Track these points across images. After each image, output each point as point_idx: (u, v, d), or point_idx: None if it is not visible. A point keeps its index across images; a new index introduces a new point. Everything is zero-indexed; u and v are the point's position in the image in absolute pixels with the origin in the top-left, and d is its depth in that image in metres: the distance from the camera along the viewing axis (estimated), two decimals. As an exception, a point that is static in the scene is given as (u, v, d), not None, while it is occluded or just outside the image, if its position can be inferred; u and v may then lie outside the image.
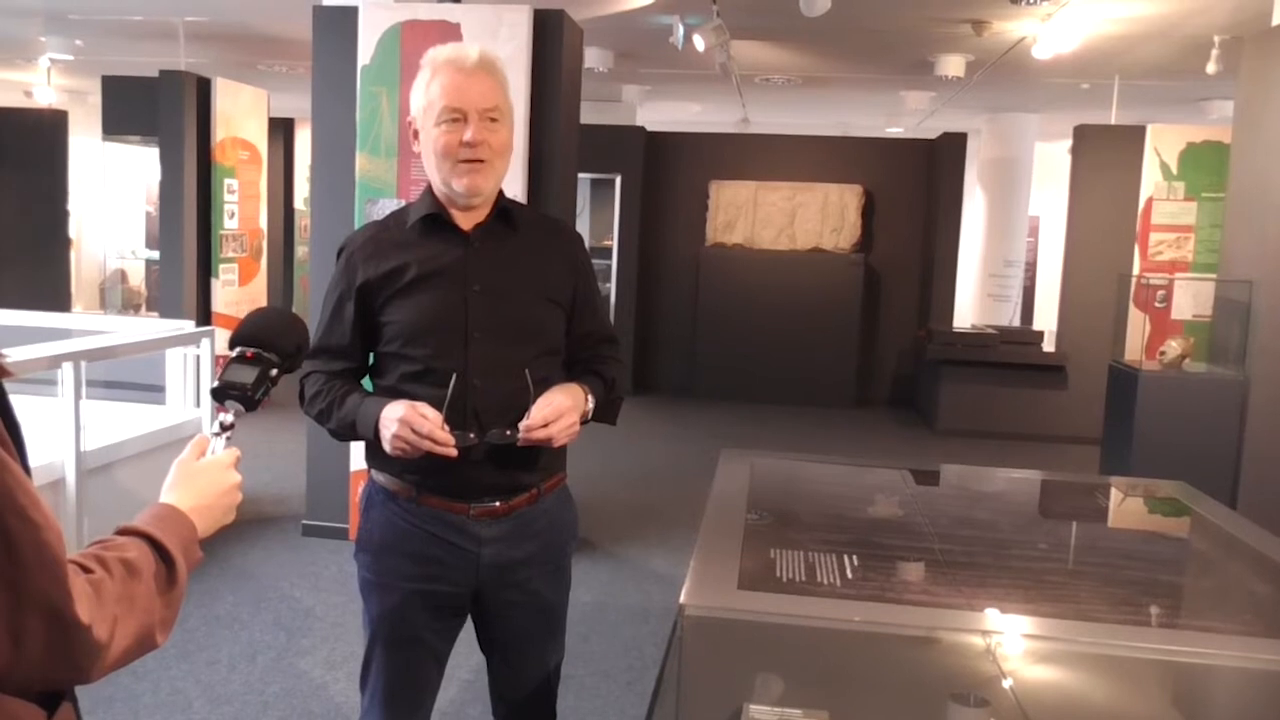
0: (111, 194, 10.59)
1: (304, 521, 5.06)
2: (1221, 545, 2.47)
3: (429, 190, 2.02)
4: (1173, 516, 2.80)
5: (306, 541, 4.95)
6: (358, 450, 4.74)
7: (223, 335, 6.00)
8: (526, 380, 1.90)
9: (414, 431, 1.83)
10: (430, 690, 2.11)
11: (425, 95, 1.95)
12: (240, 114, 7.86)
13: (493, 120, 1.92)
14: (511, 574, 2.02)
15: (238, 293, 7.88)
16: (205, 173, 7.58)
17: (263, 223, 8.25)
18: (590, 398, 2.00)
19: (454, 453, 1.85)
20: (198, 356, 5.05)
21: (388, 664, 2.05)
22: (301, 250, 10.15)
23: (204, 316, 7.42)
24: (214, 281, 7.68)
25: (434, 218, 1.99)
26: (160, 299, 8.01)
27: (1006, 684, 1.61)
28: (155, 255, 9.13)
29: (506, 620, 2.07)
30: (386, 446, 1.88)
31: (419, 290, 1.96)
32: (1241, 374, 4.81)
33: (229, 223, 7.78)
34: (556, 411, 1.88)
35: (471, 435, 1.87)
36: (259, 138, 8.12)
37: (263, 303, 8.19)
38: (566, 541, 2.15)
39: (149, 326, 5.85)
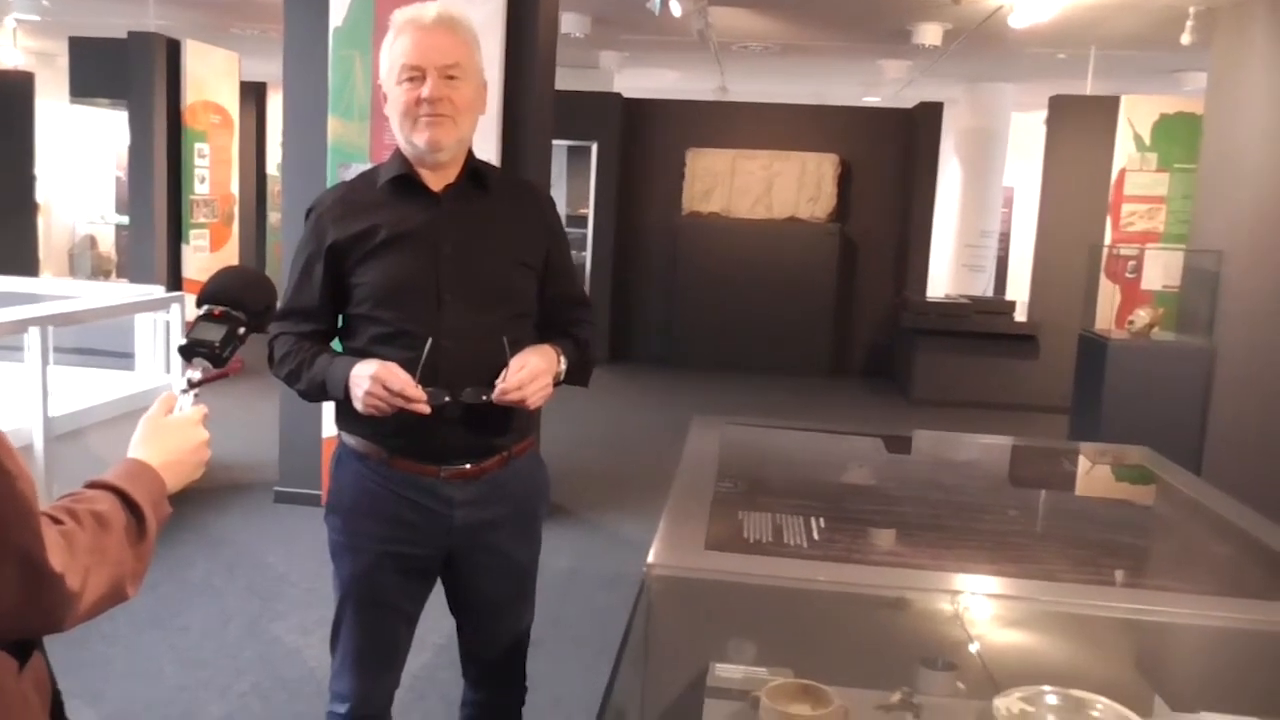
0: (80, 158, 10.43)
1: (276, 488, 5.04)
2: (1185, 509, 2.51)
3: (398, 151, 2.01)
4: (1139, 482, 2.84)
5: (279, 508, 4.94)
6: (331, 416, 4.73)
7: (193, 301, 5.96)
8: (501, 344, 1.89)
9: (386, 389, 1.83)
10: (400, 652, 2.12)
11: (389, 57, 1.95)
12: (211, 77, 7.75)
13: (452, 77, 1.91)
14: (482, 536, 2.02)
15: (209, 259, 7.80)
16: (175, 137, 7.49)
17: (235, 188, 8.16)
18: (563, 359, 2.00)
19: (427, 409, 1.84)
20: (167, 322, 5.01)
21: (358, 626, 2.05)
22: (275, 216, 10.05)
23: (174, 282, 7.35)
24: (185, 247, 7.60)
25: (404, 179, 1.98)
26: (130, 264, 7.93)
27: (974, 648, 1.64)
28: (125, 220, 9.02)
29: (477, 582, 2.07)
30: (358, 405, 1.87)
31: (389, 252, 1.95)
32: (1209, 343, 4.87)
33: (200, 188, 7.69)
34: (531, 373, 1.88)
35: (446, 395, 1.87)
36: (231, 102, 8.01)
37: (235, 269, 8.11)
38: (538, 505, 2.16)
39: (118, 292, 5.79)
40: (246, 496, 5.10)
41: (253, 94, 9.65)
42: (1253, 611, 1.78)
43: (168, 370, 5.00)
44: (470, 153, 2.03)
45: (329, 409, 4.56)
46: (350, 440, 2.03)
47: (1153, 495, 2.74)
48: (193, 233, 7.64)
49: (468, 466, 1.98)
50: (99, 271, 11.73)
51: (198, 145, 7.61)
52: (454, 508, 1.98)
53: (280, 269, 5.53)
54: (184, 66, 7.44)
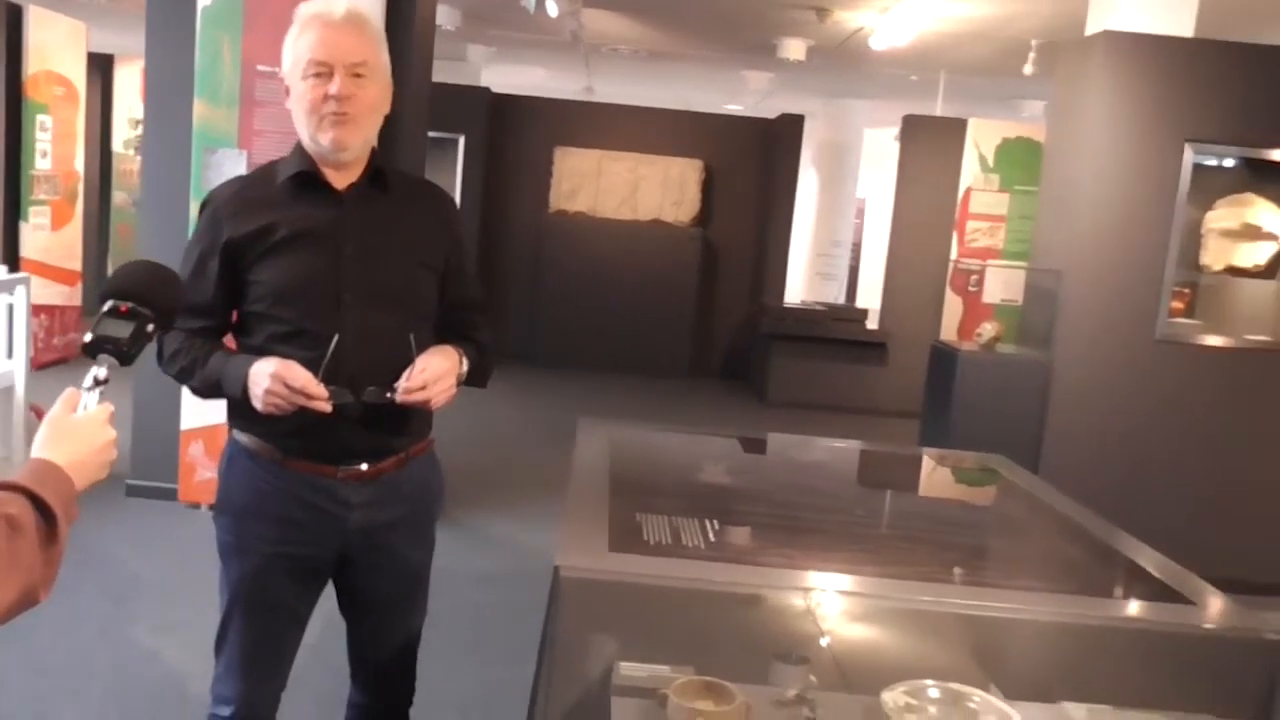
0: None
1: (128, 481, 4.81)
2: (1032, 512, 2.70)
3: (299, 147, 1.98)
4: (990, 486, 3.04)
5: (131, 503, 4.72)
6: (188, 408, 4.55)
7: (38, 283, 5.59)
8: (407, 342, 1.89)
9: (287, 386, 1.81)
10: (289, 654, 2.09)
11: (294, 51, 1.92)
12: (56, 47, 7.32)
13: (359, 76, 1.90)
14: (378, 537, 2.01)
15: (50, 238, 7.36)
16: (15, 109, 7.04)
17: (79, 165, 7.72)
18: (464, 361, 2.02)
19: (328, 408, 1.83)
20: (10, 305, 4.71)
21: (247, 628, 2.01)
22: (120, 196, 9.54)
23: (12, 261, 6.90)
24: (23, 225, 7.15)
25: (305, 176, 1.95)
26: (-40, 242, 7.40)
27: (824, 641, 1.73)
28: (-48, 194, 8.41)
29: (372, 584, 2.06)
30: (257, 404, 1.84)
31: (289, 251, 1.92)
32: (1047, 356, 5.21)
33: (41, 163, 7.25)
34: (434, 374, 1.89)
35: (349, 395, 1.86)
36: (76, 73, 7.59)
37: (78, 250, 7.71)
38: (433, 506, 2.17)
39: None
40: (95, 490, 4.81)
41: (99, 66, 9.13)
42: (1085, 607, 1.93)
43: (10, 355, 4.72)
44: (374, 152, 2.02)
45: (187, 399, 4.40)
46: (243, 439, 1.99)
47: (1005, 499, 2.94)
48: (32, 210, 7.19)
49: (364, 467, 1.97)
50: (-84, 246, 10.88)
51: (39, 118, 7.18)
52: (351, 509, 1.97)
53: (126, 251, 5.28)
54: (26, 34, 7.01)
